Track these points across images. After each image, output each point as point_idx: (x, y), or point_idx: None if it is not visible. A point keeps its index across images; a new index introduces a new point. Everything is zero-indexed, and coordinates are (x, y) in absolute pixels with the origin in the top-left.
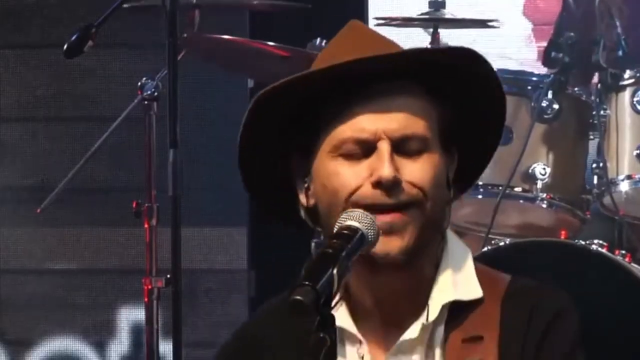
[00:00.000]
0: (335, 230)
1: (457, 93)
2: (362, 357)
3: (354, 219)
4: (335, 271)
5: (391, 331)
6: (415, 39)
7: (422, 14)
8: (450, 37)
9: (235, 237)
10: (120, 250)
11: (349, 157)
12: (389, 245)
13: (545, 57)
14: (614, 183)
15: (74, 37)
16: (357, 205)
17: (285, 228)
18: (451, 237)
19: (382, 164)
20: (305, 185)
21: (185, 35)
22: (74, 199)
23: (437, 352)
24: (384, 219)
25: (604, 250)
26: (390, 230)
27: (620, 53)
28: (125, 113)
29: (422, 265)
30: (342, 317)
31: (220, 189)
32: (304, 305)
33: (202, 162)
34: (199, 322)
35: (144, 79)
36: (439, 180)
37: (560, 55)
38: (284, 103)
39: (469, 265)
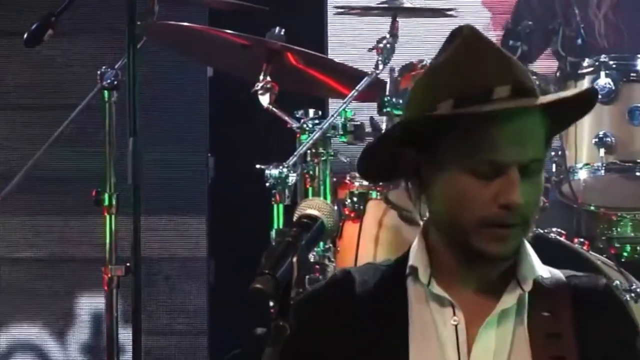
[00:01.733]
0: (295, 217)
1: (563, 112)
2: (457, 325)
3: (313, 207)
4: (294, 259)
5: (484, 301)
6: (373, 27)
7: (381, 3)
8: (409, 26)
9: (195, 225)
10: (80, 238)
11: (481, 176)
12: (497, 251)
13: (504, 46)
14: (572, 171)
15: (33, 26)
16: (484, 223)
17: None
18: None
19: (514, 191)
20: (416, 177)
21: (144, 23)
22: (33, 188)
23: (525, 322)
24: (503, 232)
25: (562, 239)
26: (504, 240)
27: (579, 41)
28: (85, 101)
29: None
30: (434, 286)
31: (179, 178)
32: (264, 294)
33: (162, 151)
34: (158, 310)
35: (104, 67)
36: (541, 194)
37: (518, 43)
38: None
39: (533, 251)
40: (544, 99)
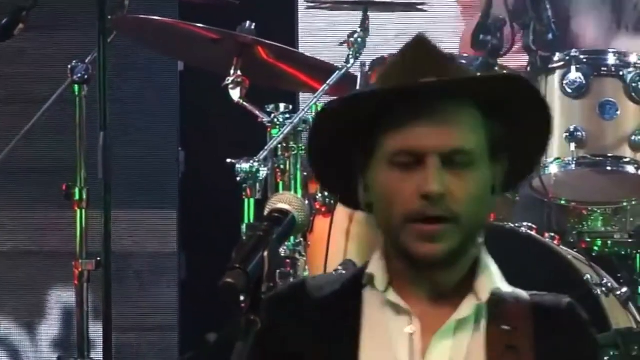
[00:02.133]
0: (266, 212)
1: (507, 110)
2: (411, 335)
3: (284, 201)
4: (265, 254)
5: (439, 311)
6: (344, 21)
7: None
8: (380, 20)
9: (165, 220)
10: (50, 232)
11: (401, 167)
12: (429, 250)
13: (474, 40)
14: (543, 165)
15: (4, 21)
16: (407, 218)
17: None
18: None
19: (430, 179)
20: (364, 182)
21: (114, 17)
22: (4, 181)
23: (482, 333)
24: (428, 228)
25: (533, 233)
26: (431, 239)
27: (550, 36)
28: (55, 96)
29: (465, 260)
30: (390, 294)
31: (150, 172)
32: (235, 288)
33: (132, 145)
34: (129, 304)
35: (75, 61)
36: (481, 194)
37: (489, 37)
38: (348, 112)
39: (494, 264)
40: (454, 78)
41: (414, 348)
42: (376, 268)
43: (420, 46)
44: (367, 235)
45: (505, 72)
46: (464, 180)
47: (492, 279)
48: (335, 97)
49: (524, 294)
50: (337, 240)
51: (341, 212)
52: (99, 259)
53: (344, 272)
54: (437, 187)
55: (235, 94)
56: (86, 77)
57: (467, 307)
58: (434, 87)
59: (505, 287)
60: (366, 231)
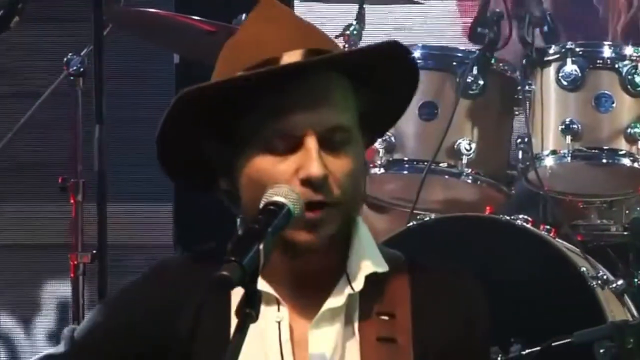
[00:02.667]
0: (261, 205)
1: (379, 80)
2: (279, 322)
3: (279, 194)
4: (261, 247)
5: (311, 300)
6: (341, 14)
7: None
8: (376, 13)
9: (162, 213)
10: (46, 225)
11: (275, 152)
12: (313, 237)
13: (471, 33)
14: (538, 158)
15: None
16: None
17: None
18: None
19: (311, 162)
20: (226, 171)
21: (110, 9)
22: (0, 175)
23: (355, 323)
24: (312, 215)
25: (528, 226)
26: (315, 225)
27: (545, 28)
28: (51, 89)
29: (340, 244)
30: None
31: (146, 165)
32: (230, 281)
33: (128, 138)
34: None
35: (70, 54)
36: (359, 172)
37: (486, 31)
38: (208, 98)
39: (372, 240)
40: (328, 55)
41: (282, 337)
42: None
43: (268, 10)
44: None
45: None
46: (343, 159)
47: (367, 262)
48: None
49: (404, 272)
50: None
51: None
52: (94, 251)
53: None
54: (320, 170)
55: None
56: (82, 69)
57: (339, 296)
58: (306, 66)
59: (380, 265)
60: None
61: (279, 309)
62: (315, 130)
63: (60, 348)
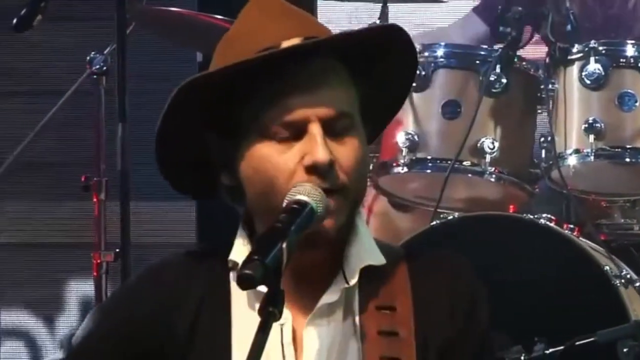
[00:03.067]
0: (284, 204)
1: (379, 68)
2: (282, 325)
3: (303, 193)
4: (284, 245)
5: (307, 296)
6: (364, 13)
7: None
8: (399, 12)
9: (184, 211)
10: (69, 224)
11: (280, 140)
12: (324, 226)
13: (493, 32)
14: (562, 157)
15: (23, 11)
16: None
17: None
18: None
19: (317, 148)
20: (227, 164)
21: (133, 8)
22: (23, 174)
23: (355, 317)
24: None
25: (552, 224)
26: (329, 213)
27: (568, 27)
28: (74, 87)
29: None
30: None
31: None
32: (254, 279)
33: (151, 136)
34: None
35: (93, 53)
36: (364, 159)
37: (508, 29)
38: (207, 89)
39: (369, 233)
40: (328, 37)
41: (285, 340)
42: (239, 254)
43: (264, 2)
44: (386, 226)
45: (374, 25)
46: (348, 145)
47: (362, 255)
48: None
49: (403, 264)
50: None
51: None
52: (117, 250)
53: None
54: (326, 156)
55: None
56: (105, 68)
57: (335, 291)
58: (304, 50)
59: (376, 258)
60: (385, 223)
61: None
62: (318, 116)
63: (58, 356)
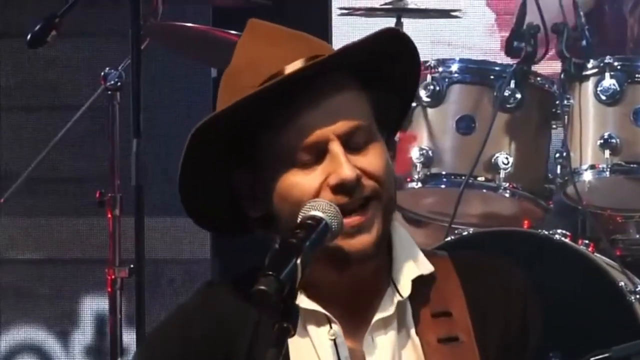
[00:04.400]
0: (299, 220)
1: (385, 74)
2: (335, 339)
3: (317, 209)
4: (298, 261)
5: (360, 312)
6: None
7: (385, 4)
8: (414, 27)
9: (199, 227)
10: (83, 240)
11: (303, 166)
12: (361, 244)
13: (508, 47)
14: (577, 173)
15: (37, 27)
16: None
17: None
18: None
19: (341, 166)
20: (254, 198)
21: (148, 23)
22: (37, 189)
23: (411, 329)
24: (352, 222)
25: (567, 240)
26: (359, 231)
27: (584, 43)
28: (88, 103)
29: (383, 250)
30: (303, 301)
31: None
32: (268, 295)
33: (165, 151)
34: (162, 311)
35: (107, 68)
36: (388, 165)
37: (523, 44)
38: (219, 128)
39: (412, 242)
40: (330, 55)
41: (341, 354)
42: None
43: (260, 30)
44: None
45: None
46: (371, 156)
47: (410, 266)
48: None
49: (450, 268)
50: None
51: None
52: (132, 266)
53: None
54: (351, 172)
55: None
56: (119, 84)
57: (388, 305)
58: (309, 71)
59: (423, 267)
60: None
61: (330, 327)
62: (336, 133)
63: None
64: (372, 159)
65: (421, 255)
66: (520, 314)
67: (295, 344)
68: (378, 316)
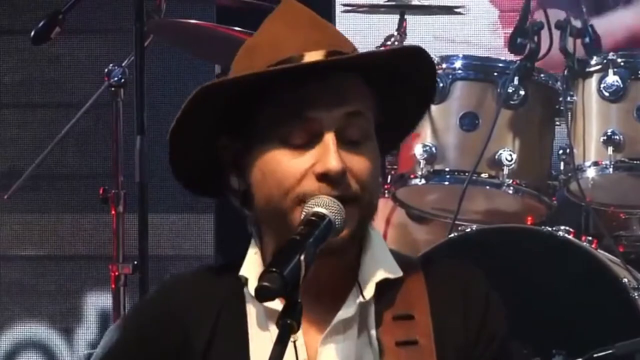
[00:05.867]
0: (302, 216)
1: (398, 86)
2: (295, 342)
3: (321, 205)
4: (302, 257)
5: (323, 313)
6: (382, 25)
7: (388, 1)
8: (417, 24)
9: (202, 223)
10: (87, 236)
11: (294, 147)
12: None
13: (511, 44)
14: (580, 169)
15: (41, 24)
16: (301, 198)
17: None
18: None
19: (329, 156)
20: (238, 168)
21: (151, 20)
22: (41, 186)
23: (371, 331)
24: None
25: (570, 237)
26: None
27: (587, 39)
28: (92, 100)
29: (353, 249)
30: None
31: None
32: (271, 292)
33: (168, 148)
34: None
35: (111, 65)
36: (376, 170)
37: (526, 41)
38: (224, 95)
39: (384, 244)
40: (351, 55)
41: (300, 357)
42: (250, 269)
43: (290, 10)
44: (404, 238)
45: (398, 46)
46: (361, 156)
47: (377, 268)
48: None
49: (419, 272)
50: None
51: (378, 215)
52: (135, 262)
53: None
54: (338, 165)
55: None
56: (123, 80)
57: (350, 306)
58: (330, 65)
59: (391, 271)
60: (403, 234)
61: None
62: (333, 126)
63: None
64: (361, 161)
65: (391, 259)
66: (480, 319)
67: (257, 339)
68: (339, 317)
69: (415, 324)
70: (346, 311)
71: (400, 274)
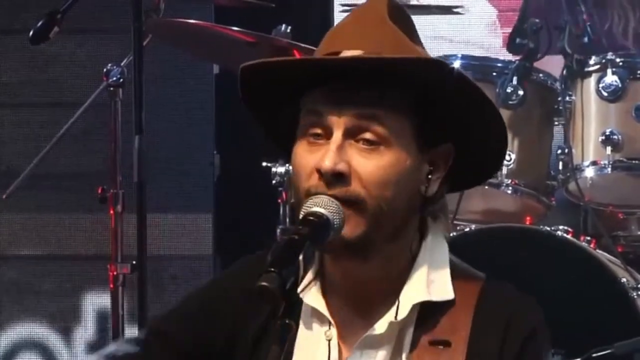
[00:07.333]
0: (301, 215)
1: (445, 101)
2: (329, 340)
3: (319, 205)
4: (300, 257)
5: (361, 321)
6: None
7: None
8: (416, 24)
9: (201, 223)
10: (85, 236)
11: (311, 140)
12: (339, 234)
13: (510, 44)
14: (579, 169)
15: (39, 23)
16: (307, 193)
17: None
18: (434, 232)
19: (326, 153)
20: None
21: (150, 20)
22: (39, 185)
23: (404, 353)
24: None
25: (569, 236)
26: None
27: (585, 39)
28: (90, 99)
29: (390, 258)
30: (314, 295)
31: (185, 176)
32: (270, 291)
33: (167, 148)
34: (164, 308)
35: (109, 65)
36: (396, 179)
37: (525, 41)
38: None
39: (445, 263)
40: (366, 58)
41: (331, 356)
42: (303, 264)
43: (369, 7)
44: None
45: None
46: (374, 160)
47: (422, 290)
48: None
49: (473, 296)
50: None
51: None
52: (134, 262)
53: None
54: (329, 164)
55: None
56: (121, 80)
57: (382, 324)
58: (347, 64)
59: (443, 293)
60: None
61: (329, 327)
62: (342, 124)
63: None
64: (371, 164)
65: (445, 279)
66: (513, 357)
67: (303, 337)
68: (370, 332)
69: (450, 351)
70: (378, 328)
71: (449, 296)
